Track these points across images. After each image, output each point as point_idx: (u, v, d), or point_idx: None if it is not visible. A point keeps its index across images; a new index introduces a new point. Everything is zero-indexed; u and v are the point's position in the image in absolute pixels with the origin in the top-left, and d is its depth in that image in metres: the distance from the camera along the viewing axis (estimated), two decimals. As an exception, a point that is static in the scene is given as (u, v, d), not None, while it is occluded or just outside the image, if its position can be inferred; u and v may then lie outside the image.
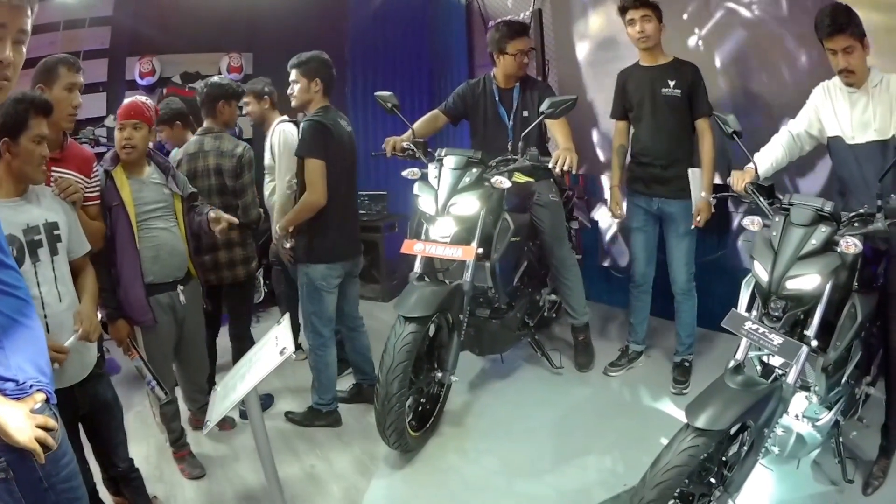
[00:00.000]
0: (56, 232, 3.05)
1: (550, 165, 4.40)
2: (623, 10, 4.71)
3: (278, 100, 5.27)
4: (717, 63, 5.37)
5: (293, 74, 4.49)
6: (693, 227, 4.71)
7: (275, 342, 3.26)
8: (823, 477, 3.86)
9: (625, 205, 5.19)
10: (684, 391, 4.92)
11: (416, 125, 4.91)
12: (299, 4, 7.14)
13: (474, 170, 4.37)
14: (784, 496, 3.76)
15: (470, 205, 4.29)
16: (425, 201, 4.38)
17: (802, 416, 3.34)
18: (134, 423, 4.70)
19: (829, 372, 3.21)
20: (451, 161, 4.41)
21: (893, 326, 3.66)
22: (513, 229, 4.60)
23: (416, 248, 4.32)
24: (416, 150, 4.70)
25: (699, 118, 4.71)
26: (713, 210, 4.62)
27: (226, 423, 4.70)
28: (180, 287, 4.04)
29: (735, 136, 3.56)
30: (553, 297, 5.70)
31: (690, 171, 4.55)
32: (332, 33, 7.56)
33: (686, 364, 5.12)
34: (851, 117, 3.64)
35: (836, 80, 3.69)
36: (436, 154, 4.56)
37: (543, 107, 4.27)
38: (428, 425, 4.43)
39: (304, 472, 4.28)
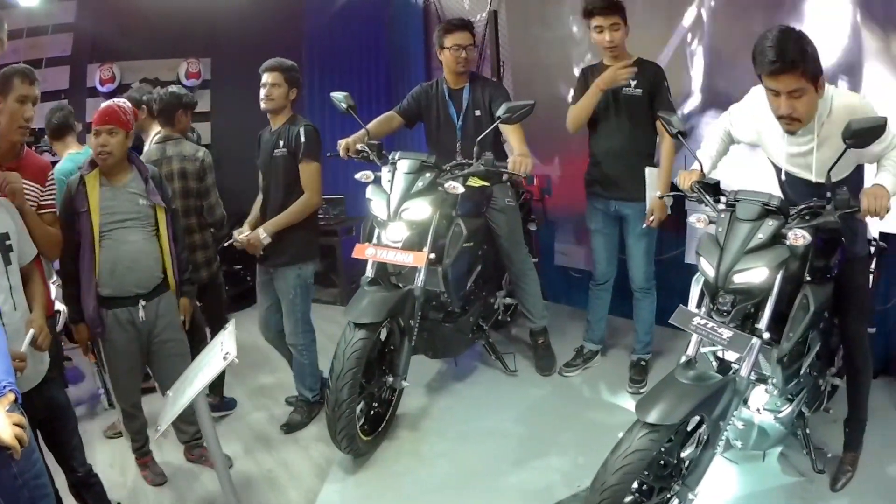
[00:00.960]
0: (8, 242, 3.03)
1: (507, 170, 4.40)
2: (589, 15, 4.61)
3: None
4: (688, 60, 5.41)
5: (273, 77, 4.43)
6: (645, 226, 4.68)
7: (220, 347, 3.23)
8: (792, 469, 3.87)
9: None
10: (641, 390, 4.90)
11: (370, 125, 4.83)
12: (256, 9, 7.14)
13: (427, 174, 4.33)
14: (751, 489, 3.77)
15: (422, 210, 4.25)
16: (377, 205, 4.33)
17: (763, 408, 3.35)
18: (98, 432, 4.70)
19: (785, 363, 3.21)
20: (404, 165, 4.34)
21: (851, 318, 3.64)
22: (465, 235, 4.57)
23: (367, 253, 4.29)
24: (370, 152, 4.59)
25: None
26: (669, 211, 4.57)
27: (207, 461, 4.34)
28: (142, 303, 3.85)
29: (680, 136, 3.46)
30: (508, 300, 5.68)
31: (648, 170, 4.52)
32: (289, 37, 7.53)
33: (643, 363, 5.12)
34: (787, 151, 3.32)
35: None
36: (389, 157, 4.48)
37: (500, 112, 4.20)
38: (380, 429, 4.40)
39: (262, 477, 4.26)
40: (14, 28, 6.43)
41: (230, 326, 3.45)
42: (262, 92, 4.47)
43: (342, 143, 4.71)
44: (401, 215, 4.22)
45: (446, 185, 4.29)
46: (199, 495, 4.11)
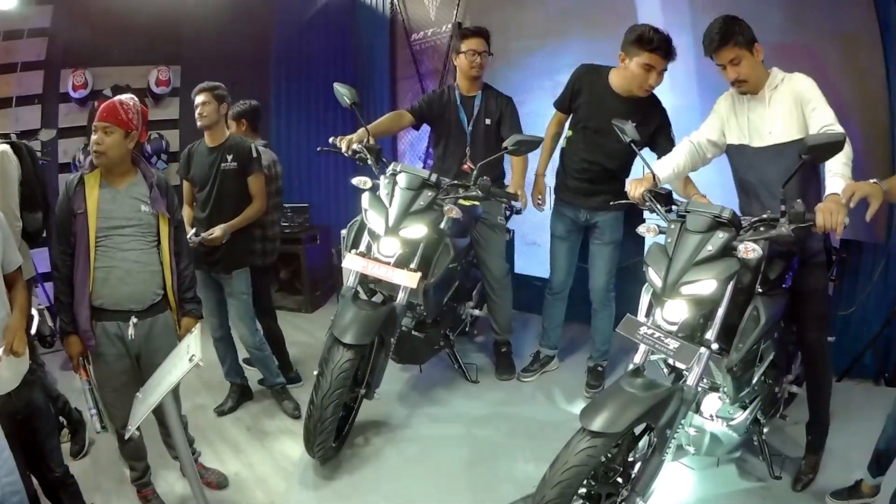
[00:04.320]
0: None
1: (502, 199, 4.58)
2: (649, 48, 4.36)
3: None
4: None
5: (203, 97, 4.67)
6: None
7: (186, 350, 3.16)
8: (749, 475, 3.96)
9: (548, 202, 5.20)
10: (597, 395, 4.89)
11: (374, 124, 4.88)
12: (226, 18, 7.16)
13: (428, 193, 4.31)
14: (706, 494, 3.85)
15: (419, 230, 4.24)
16: (374, 218, 4.27)
17: (716, 415, 3.41)
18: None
19: (736, 373, 3.25)
20: (403, 180, 4.32)
21: (808, 325, 3.73)
22: (453, 255, 4.59)
23: (358, 265, 4.24)
24: (368, 155, 4.54)
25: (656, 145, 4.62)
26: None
27: (213, 483, 4.21)
28: (133, 320, 3.55)
29: (633, 144, 3.55)
30: (476, 312, 5.71)
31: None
32: (256, 46, 7.64)
33: (599, 369, 5.19)
34: (752, 123, 3.68)
35: None
36: (389, 168, 4.45)
37: (508, 143, 4.25)
38: (344, 433, 4.40)
39: (228, 479, 4.27)
40: (-10, 32, 6.45)
41: (196, 330, 3.34)
42: (196, 112, 4.67)
43: (345, 139, 4.64)
44: (398, 232, 4.21)
45: (445, 209, 4.33)
46: (167, 495, 4.08)
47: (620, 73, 4.57)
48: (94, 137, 3.45)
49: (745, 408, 3.50)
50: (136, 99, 3.63)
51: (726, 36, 3.51)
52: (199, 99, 4.66)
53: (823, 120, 3.36)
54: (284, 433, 4.82)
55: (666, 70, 4.48)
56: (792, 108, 3.52)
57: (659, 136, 4.62)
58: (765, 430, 3.86)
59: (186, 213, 4.86)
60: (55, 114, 6.82)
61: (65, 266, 3.51)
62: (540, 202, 5.07)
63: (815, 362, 3.80)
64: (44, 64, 6.86)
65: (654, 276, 3.14)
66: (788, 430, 4.27)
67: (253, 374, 5.33)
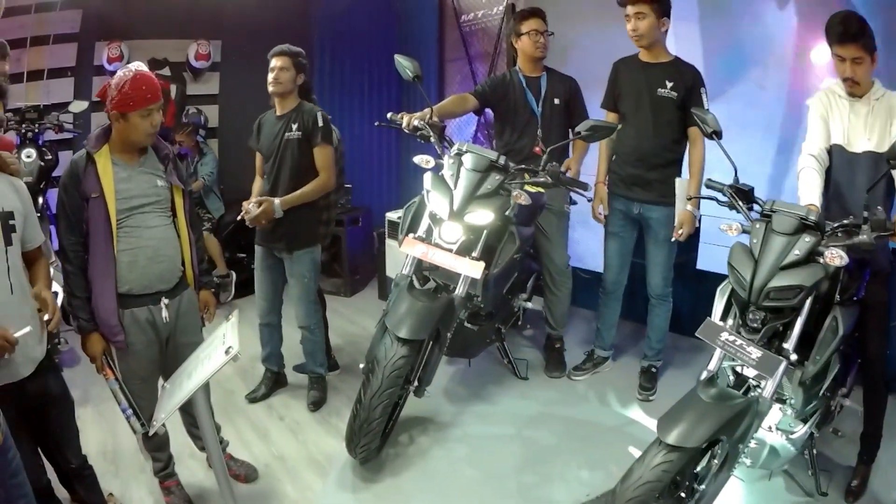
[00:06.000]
0: (11, 222, 2.84)
1: (571, 186, 4.45)
2: (622, 4, 4.57)
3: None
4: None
5: (282, 61, 4.48)
6: (673, 239, 4.64)
7: (222, 341, 3.06)
8: (797, 488, 3.87)
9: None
10: (651, 398, 4.91)
11: (439, 105, 4.73)
12: (269, -6, 7.10)
13: (496, 176, 4.13)
14: (755, 507, 3.75)
15: (485, 215, 4.03)
16: (436, 201, 4.07)
17: (776, 427, 3.30)
18: (91, 418, 4.59)
19: (807, 385, 3.16)
20: (470, 160, 4.14)
21: (872, 337, 3.66)
22: (518, 245, 4.37)
23: (418, 251, 4.01)
24: (431, 132, 4.36)
25: (693, 125, 4.39)
26: (697, 224, 4.62)
27: (241, 476, 4.08)
28: (164, 301, 3.43)
29: (714, 136, 3.45)
30: (529, 304, 5.50)
31: (678, 181, 4.48)
32: (299, 22, 7.52)
33: (653, 370, 5.09)
34: (851, 125, 3.62)
35: (835, 87, 3.70)
36: (454, 147, 4.30)
37: (581, 128, 4.01)
38: (387, 430, 4.20)
39: (258, 471, 4.15)
40: (23, 3, 6.34)
41: (233, 318, 3.21)
42: (271, 76, 4.48)
43: (406, 116, 4.46)
44: (462, 217, 4.02)
45: (514, 194, 4.13)
46: (191, 486, 3.96)
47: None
48: (151, 120, 3.24)
49: (805, 421, 3.37)
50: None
51: (858, 33, 3.46)
52: (276, 63, 4.49)
53: None
54: (320, 424, 4.70)
55: (644, 13, 4.50)
56: (886, 121, 3.52)
57: (692, 95, 4.58)
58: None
59: (257, 184, 4.78)
60: (89, 86, 6.79)
61: (78, 257, 3.31)
62: (601, 213, 4.94)
63: (874, 374, 3.76)
64: (78, 36, 6.82)
65: (740, 279, 3.02)
66: (835, 444, 4.16)
67: (289, 361, 5.21)
